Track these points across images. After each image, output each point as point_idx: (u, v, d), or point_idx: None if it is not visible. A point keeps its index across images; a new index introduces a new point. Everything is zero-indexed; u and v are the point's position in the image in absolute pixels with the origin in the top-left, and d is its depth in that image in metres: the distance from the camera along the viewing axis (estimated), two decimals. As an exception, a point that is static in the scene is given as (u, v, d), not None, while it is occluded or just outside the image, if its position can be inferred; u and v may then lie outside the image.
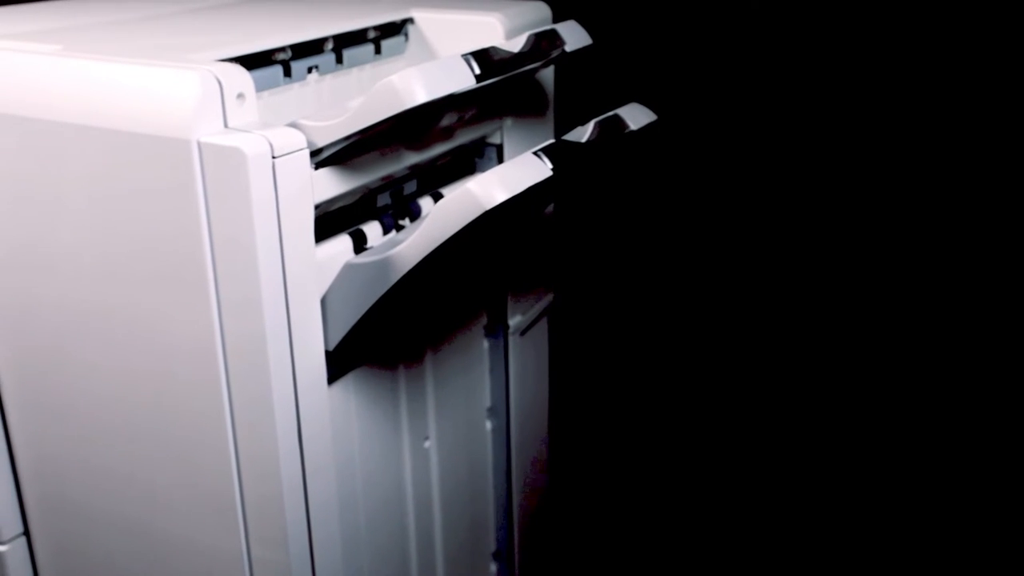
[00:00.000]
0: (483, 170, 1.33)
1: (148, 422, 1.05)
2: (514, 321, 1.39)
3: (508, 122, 1.29)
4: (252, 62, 1.10)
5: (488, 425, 1.45)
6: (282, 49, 1.13)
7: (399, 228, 1.15)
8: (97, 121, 0.95)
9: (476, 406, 1.41)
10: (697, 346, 2.02)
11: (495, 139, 1.30)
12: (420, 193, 1.22)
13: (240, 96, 0.94)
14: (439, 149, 1.16)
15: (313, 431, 1.03)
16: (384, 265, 0.96)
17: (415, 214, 1.19)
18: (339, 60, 1.21)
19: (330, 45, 1.20)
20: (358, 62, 1.24)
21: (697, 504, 1.97)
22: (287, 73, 1.15)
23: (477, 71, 0.95)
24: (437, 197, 1.22)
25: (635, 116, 1.10)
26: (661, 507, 1.99)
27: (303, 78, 1.17)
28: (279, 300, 0.96)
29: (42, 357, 1.10)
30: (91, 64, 0.98)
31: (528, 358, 1.47)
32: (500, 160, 1.31)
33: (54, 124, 0.98)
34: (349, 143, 0.97)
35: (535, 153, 0.95)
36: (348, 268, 0.99)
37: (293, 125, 0.97)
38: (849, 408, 1.93)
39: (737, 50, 1.84)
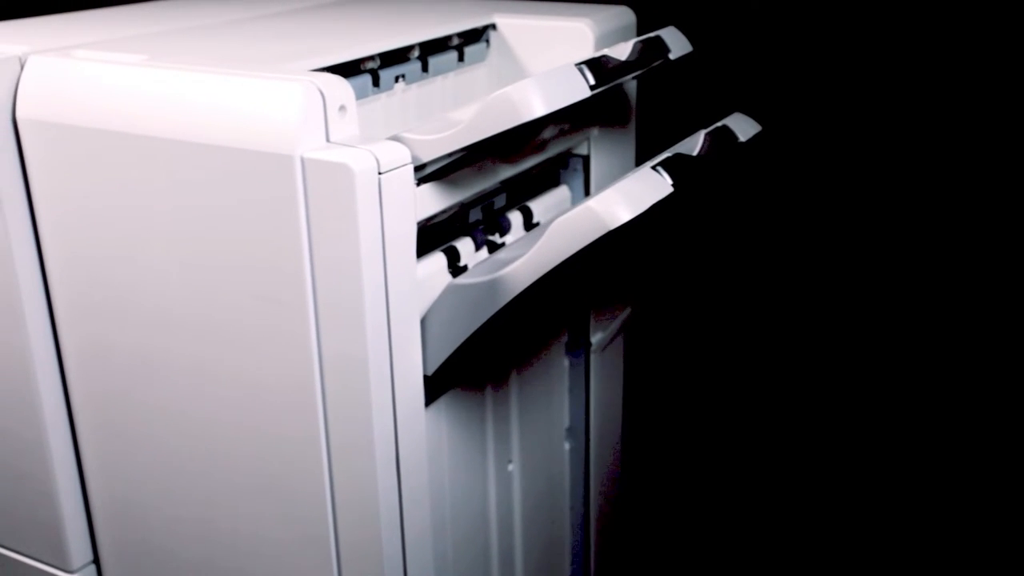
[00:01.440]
0: (568, 183, 1.28)
1: (235, 449, 1.00)
2: (596, 338, 1.34)
3: (595, 132, 1.24)
4: (341, 72, 1.05)
5: (566, 446, 1.40)
6: (371, 58, 1.08)
7: (490, 244, 1.10)
8: (189, 135, 0.91)
9: (555, 427, 1.36)
10: (771, 360, 1.97)
11: (581, 150, 1.25)
12: (508, 207, 1.17)
13: (342, 108, 0.89)
14: (531, 162, 1.11)
15: (410, 461, 0.98)
16: (493, 286, 0.91)
17: (504, 229, 1.14)
18: (424, 68, 1.16)
19: (416, 53, 1.15)
20: (442, 70, 1.19)
21: (775, 526, 1.92)
22: (375, 83, 1.10)
23: (592, 81, 0.90)
24: (525, 211, 1.17)
25: (742, 127, 1.05)
26: (737, 526, 1.93)
27: (390, 87, 1.12)
28: (381, 322, 0.91)
29: (122, 380, 1.05)
30: (183, 75, 0.93)
31: (606, 375, 1.42)
32: (586, 172, 1.26)
33: (141, 138, 0.94)
34: (454, 158, 0.92)
35: (654, 168, 0.90)
36: (452, 289, 0.94)
37: (396, 138, 0.92)
38: (926, 442, 1.87)
39: (802, 58, 1.79)
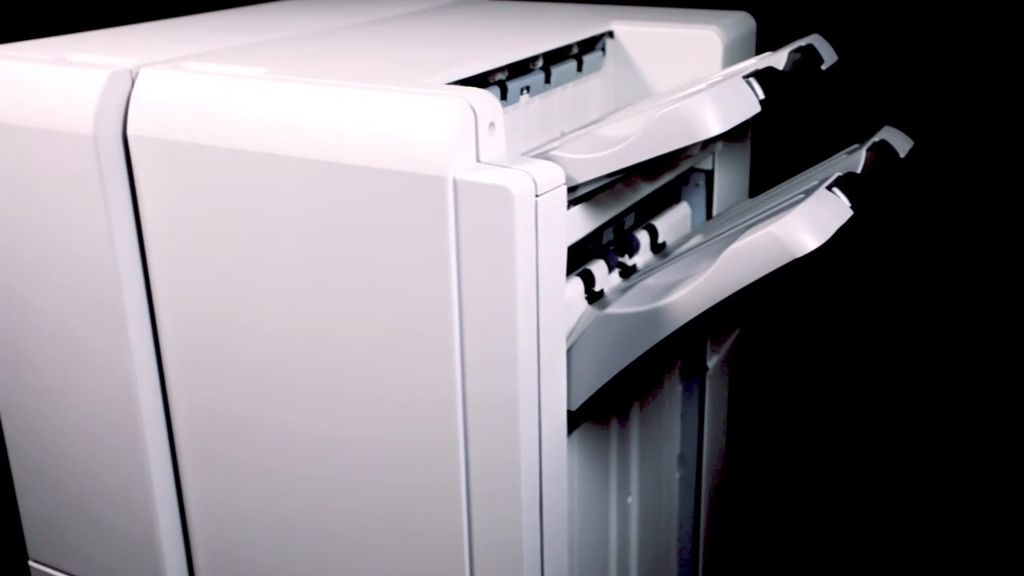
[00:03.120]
0: (689, 198, 1.21)
1: (361, 494, 0.94)
2: (712, 362, 1.27)
3: (719, 147, 1.17)
4: (469, 85, 0.99)
5: (676, 474, 1.33)
6: (501, 69, 1.01)
7: (622, 267, 1.04)
8: (324, 154, 0.84)
9: (668, 455, 1.29)
10: (878, 379, 1.89)
11: (705, 165, 1.18)
12: (635, 226, 1.10)
13: (491, 126, 0.83)
14: (667, 178, 1.05)
15: (553, 502, 0.91)
16: (653, 316, 0.84)
17: (634, 249, 1.07)
18: (547, 80, 1.09)
19: (540, 63, 1.08)
20: (562, 81, 1.13)
21: (890, 553, 1.84)
22: (503, 95, 1.03)
23: (761, 95, 0.83)
24: (651, 230, 1.10)
25: (898, 141, 0.98)
26: (848, 550, 1.85)
27: (516, 100, 1.05)
28: (532, 355, 0.84)
29: (233, 418, 0.99)
30: (316, 90, 0.86)
31: (717, 399, 1.35)
32: (709, 189, 1.19)
33: (268, 157, 0.87)
34: (613, 179, 0.85)
35: (829, 188, 0.83)
36: (604, 319, 0.87)
37: (547, 157, 0.85)
38: None
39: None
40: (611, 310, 0.87)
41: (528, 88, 1.06)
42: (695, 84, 1.05)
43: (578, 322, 0.93)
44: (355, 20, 1.25)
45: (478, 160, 0.82)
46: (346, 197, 0.84)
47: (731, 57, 1.15)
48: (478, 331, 0.83)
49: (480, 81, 1.00)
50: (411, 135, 0.81)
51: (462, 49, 1.05)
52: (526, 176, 0.79)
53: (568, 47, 1.13)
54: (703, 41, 1.13)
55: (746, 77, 0.84)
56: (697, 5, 1.32)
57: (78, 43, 1.11)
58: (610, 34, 1.19)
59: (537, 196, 0.80)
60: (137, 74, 0.97)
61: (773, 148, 1.42)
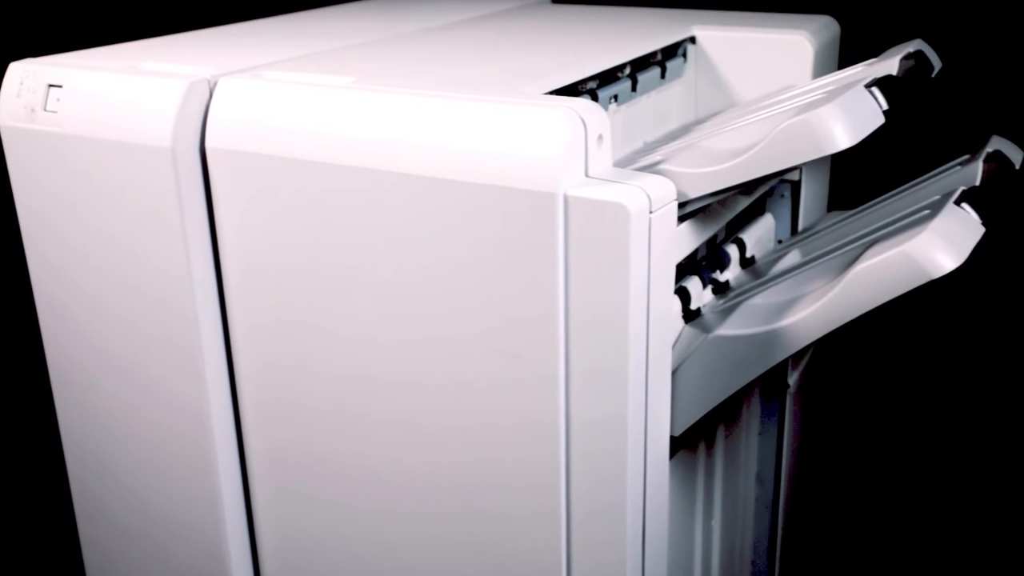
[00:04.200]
0: (773, 209, 1.17)
1: (455, 516, 0.90)
2: (792, 379, 1.23)
3: (808, 156, 1.13)
4: (564, 94, 0.95)
5: (753, 493, 1.28)
6: (592, 78, 0.97)
7: (714, 283, 0.99)
8: (422, 169, 0.80)
9: (747, 474, 1.25)
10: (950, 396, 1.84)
11: (792, 176, 1.13)
12: (724, 240, 1.06)
13: (600, 138, 0.79)
14: (762, 191, 1.00)
15: (655, 530, 0.87)
16: (771, 338, 0.80)
17: (724, 263, 1.03)
18: (633, 88, 1.05)
19: (627, 71, 1.04)
20: (647, 89, 1.08)
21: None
22: (594, 105, 0.99)
23: (884, 105, 0.79)
24: (739, 243, 1.06)
25: (1012, 152, 0.93)
26: (923, 565, 1.80)
27: (605, 109, 1.01)
28: (640, 378, 0.80)
29: (312, 443, 0.95)
30: (415, 101, 0.82)
31: (795, 418, 1.31)
32: (795, 199, 1.15)
33: (359, 171, 0.83)
34: (728, 195, 0.81)
35: (957, 203, 0.78)
36: (715, 341, 0.83)
37: (655, 171, 0.81)
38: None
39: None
40: (722, 332, 0.83)
41: (616, 97, 1.02)
42: (789, 92, 1.01)
43: (676, 342, 0.89)
44: (425, 24, 1.22)
45: (587, 175, 0.78)
46: (445, 214, 0.80)
47: (821, 64, 1.10)
48: (585, 353, 0.79)
49: (572, 90, 0.96)
50: (518, 149, 0.77)
51: (552, 56, 1.01)
52: (640, 192, 0.75)
53: (652, 53, 1.09)
54: (793, 47, 1.09)
55: (868, 86, 0.79)
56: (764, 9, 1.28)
57: (144, 51, 1.08)
58: (691, 39, 1.15)
59: (651, 213, 0.76)
60: (215, 84, 0.93)
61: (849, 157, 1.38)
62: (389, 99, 0.83)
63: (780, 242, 1.15)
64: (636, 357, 0.78)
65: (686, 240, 0.86)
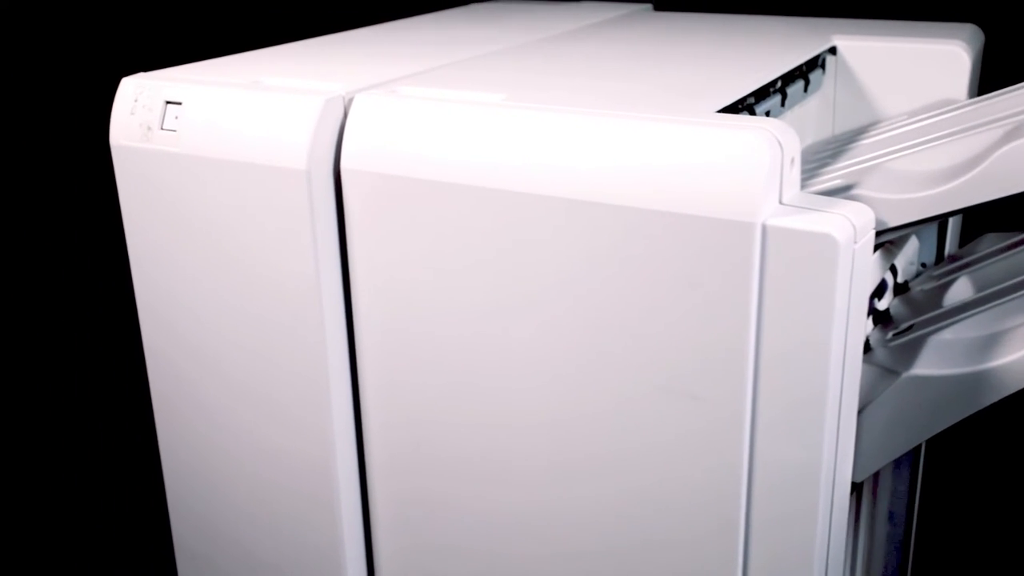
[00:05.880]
0: (918, 232, 1.10)
1: (614, 566, 0.83)
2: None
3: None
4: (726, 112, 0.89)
5: (885, 530, 1.21)
6: (751, 95, 0.91)
7: (874, 312, 0.93)
8: (592, 195, 0.74)
9: (880, 511, 1.18)
10: None
11: (940, 193, 1.07)
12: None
13: (792, 162, 0.73)
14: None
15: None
16: (981, 380, 0.73)
17: (882, 290, 0.96)
18: (783, 103, 0.99)
19: (777, 85, 0.98)
20: (793, 103, 1.02)
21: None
22: (750, 122, 0.93)
23: (1104, 123, 0.72)
24: (892, 269, 0.99)
25: None
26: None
27: (760, 127, 0.95)
28: (833, 420, 0.74)
29: (450, 486, 0.89)
30: (583, 121, 0.76)
31: (928, 452, 1.24)
32: (943, 221, 1.08)
33: (519, 196, 0.77)
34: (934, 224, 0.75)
35: None
36: (913, 383, 0.77)
37: (852, 197, 0.75)
38: None
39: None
40: (919, 371, 0.77)
41: (768, 113, 0.96)
42: (958, 107, 0.94)
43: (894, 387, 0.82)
44: (538, 34, 1.16)
45: (780, 201, 0.71)
46: (619, 243, 0.74)
47: (977, 76, 1.04)
48: (777, 393, 0.72)
49: (734, 108, 0.89)
50: (709, 174, 0.70)
51: (701, 71, 0.95)
52: (845, 221, 0.69)
53: (800, 67, 1.02)
54: (949, 58, 1.02)
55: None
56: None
57: (259, 64, 1.02)
58: (831, 50, 1.09)
59: (855, 244, 0.70)
60: (350, 101, 0.87)
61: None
62: (556, 119, 0.77)
63: (924, 266, 1.08)
64: (833, 396, 0.72)
65: (876, 271, 0.79)
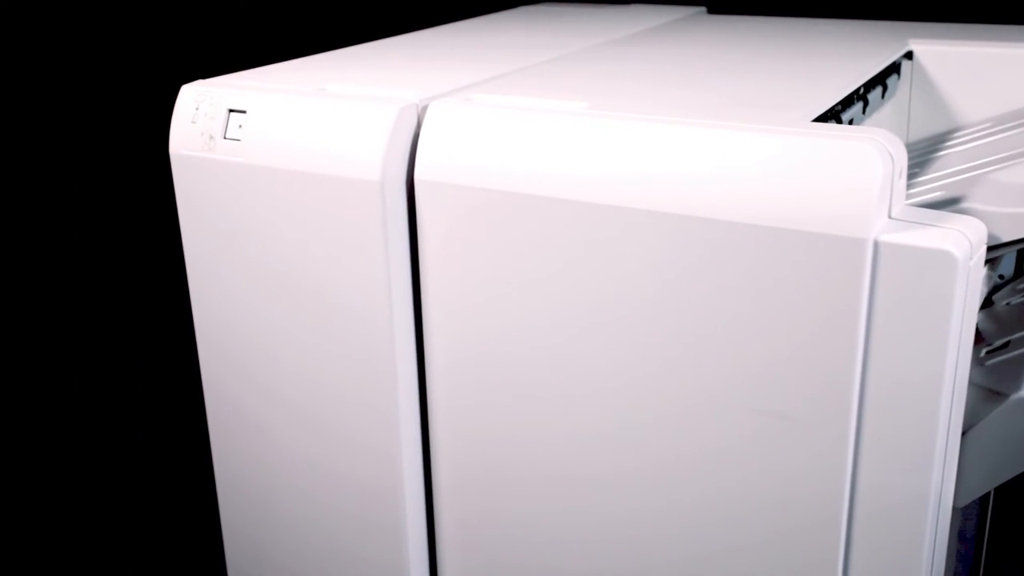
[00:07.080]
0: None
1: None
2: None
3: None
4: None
5: (957, 548, 1.18)
6: (839, 103, 0.88)
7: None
8: (689, 208, 0.71)
9: (952, 530, 1.15)
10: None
11: (1021, 203, 1.04)
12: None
13: (901, 174, 0.69)
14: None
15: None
16: (1099, 402, 0.70)
17: (968, 306, 0.93)
18: (864, 110, 0.96)
19: (860, 92, 0.95)
20: (873, 110, 0.99)
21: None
22: (836, 131, 0.90)
23: None
24: (976, 280, 0.96)
25: None
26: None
27: (844, 135, 0.92)
28: (941, 445, 0.70)
29: (534, 490, 0.86)
30: (683, 132, 0.72)
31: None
32: (1023, 229, 1.05)
33: (609, 209, 0.74)
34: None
35: None
36: (1021, 404, 0.73)
37: (958, 210, 0.72)
38: None
39: None
40: (1030, 392, 0.73)
41: (852, 121, 0.93)
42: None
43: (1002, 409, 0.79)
44: (597, 38, 1.13)
45: (890, 216, 0.68)
46: (715, 260, 0.71)
47: None
48: (884, 415, 0.69)
49: (825, 116, 0.86)
50: (816, 187, 0.67)
51: (786, 77, 0.91)
52: (962, 237, 0.66)
53: (881, 73, 0.99)
54: (1032, 63, 0.99)
55: None
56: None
57: (321, 69, 0.99)
58: (907, 55, 1.05)
59: (971, 260, 0.67)
60: (424, 109, 0.84)
61: None
62: (650, 129, 0.74)
63: (1002, 278, 1.05)
64: (944, 419, 0.69)
65: (981, 288, 0.76)
